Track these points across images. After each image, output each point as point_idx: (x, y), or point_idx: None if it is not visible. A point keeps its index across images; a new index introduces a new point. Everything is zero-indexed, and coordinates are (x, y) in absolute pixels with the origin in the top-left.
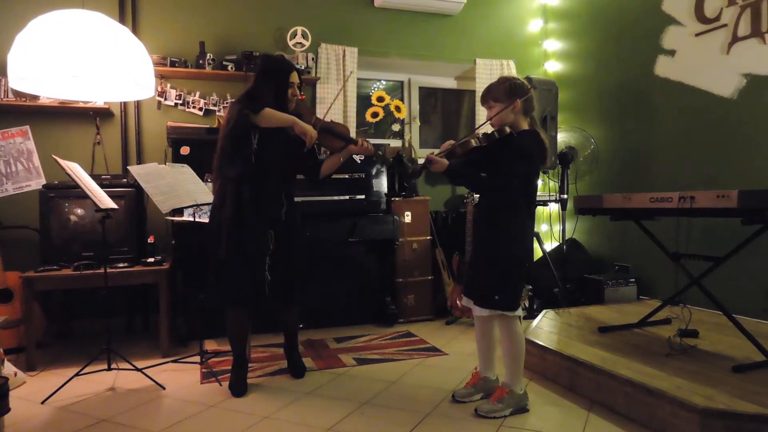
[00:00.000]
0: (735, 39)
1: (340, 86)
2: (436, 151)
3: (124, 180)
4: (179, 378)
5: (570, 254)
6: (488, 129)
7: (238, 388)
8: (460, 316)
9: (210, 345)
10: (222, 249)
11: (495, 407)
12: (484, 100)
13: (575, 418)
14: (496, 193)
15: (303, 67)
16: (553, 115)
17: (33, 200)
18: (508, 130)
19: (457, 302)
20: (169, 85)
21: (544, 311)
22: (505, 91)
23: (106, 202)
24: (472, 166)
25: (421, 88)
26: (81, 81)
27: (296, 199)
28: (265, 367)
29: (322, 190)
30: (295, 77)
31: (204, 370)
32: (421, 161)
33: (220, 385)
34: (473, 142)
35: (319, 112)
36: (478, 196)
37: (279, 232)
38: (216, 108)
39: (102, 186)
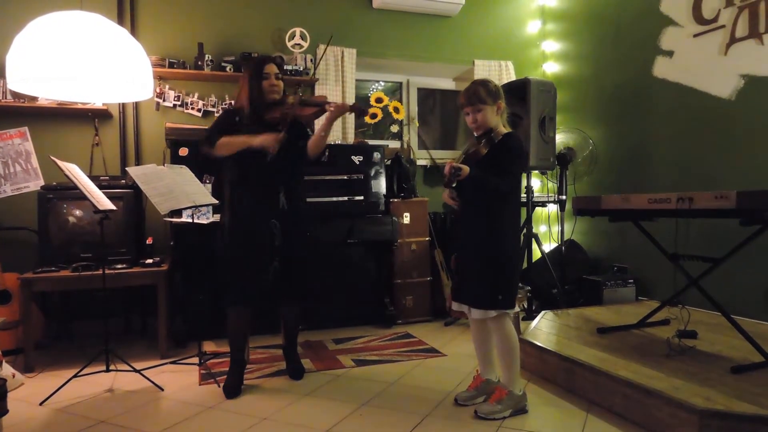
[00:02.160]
0: (733, 40)
1: (339, 87)
2: (443, 158)
3: (123, 181)
4: (178, 379)
5: (569, 255)
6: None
7: (232, 389)
8: (459, 317)
9: (208, 346)
10: (224, 250)
11: (494, 408)
12: (471, 103)
13: (574, 419)
14: (501, 194)
15: (301, 69)
16: (551, 115)
17: (31, 201)
18: (501, 133)
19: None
20: (167, 87)
21: (542, 312)
22: (489, 93)
23: (105, 203)
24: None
25: (419, 90)
26: (79, 82)
27: None
28: (263, 368)
29: (319, 190)
30: (270, 68)
31: (203, 372)
32: (421, 162)
33: (219, 386)
34: (483, 150)
35: None
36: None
37: (282, 228)
38: (215, 109)
39: (100, 187)
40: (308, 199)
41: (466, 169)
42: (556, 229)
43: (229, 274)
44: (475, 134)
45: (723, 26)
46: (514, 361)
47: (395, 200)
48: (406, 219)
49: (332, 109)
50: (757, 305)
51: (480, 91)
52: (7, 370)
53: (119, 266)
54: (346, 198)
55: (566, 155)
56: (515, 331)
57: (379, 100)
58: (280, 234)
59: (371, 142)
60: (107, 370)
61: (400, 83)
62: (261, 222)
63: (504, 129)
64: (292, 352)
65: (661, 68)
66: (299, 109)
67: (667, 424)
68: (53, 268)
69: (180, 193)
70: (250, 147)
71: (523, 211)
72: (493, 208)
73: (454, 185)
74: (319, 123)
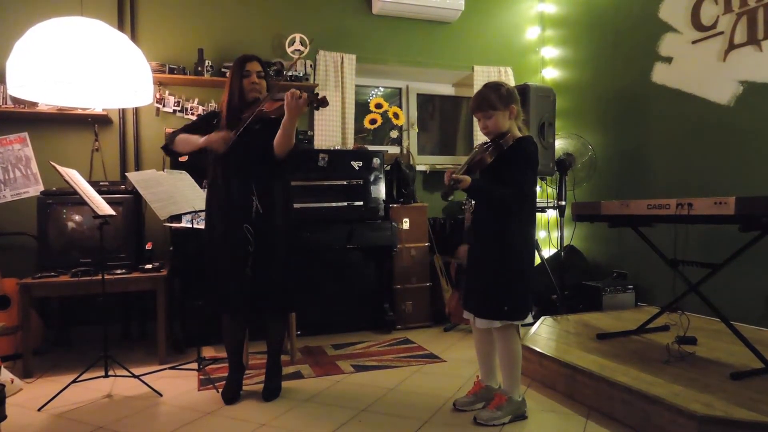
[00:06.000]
0: (731, 46)
1: (339, 93)
2: (444, 165)
3: (123, 186)
4: (177, 385)
5: (568, 261)
6: (484, 138)
7: (230, 395)
8: (459, 323)
9: (207, 352)
10: (206, 255)
11: (494, 415)
12: (481, 108)
13: (573, 425)
14: (507, 205)
15: (301, 74)
16: (550, 121)
17: (31, 207)
18: (512, 138)
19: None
20: (167, 92)
21: (542, 318)
22: (500, 97)
23: (104, 208)
24: (485, 177)
25: (419, 95)
26: (79, 88)
27: (295, 205)
28: (263, 373)
29: (319, 195)
30: (252, 66)
31: (201, 377)
32: (420, 168)
33: (218, 391)
34: (489, 158)
35: (319, 117)
36: (473, 201)
37: (256, 231)
38: None
39: (100, 192)
40: (307, 204)
41: (466, 180)
42: (555, 234)
43: (210, 280)
44: (487, 139)
45: (722, 33)
46: (517, 370)
47: (395, 205)
48: (406, 224)
49: (287, 103)
50: (756, 311)
51: (490, 96)
52: (6, 375)
53: (118, 271)
54: (345, 203)
55: (565, 161)
56: (519, 342)
57: (378, 106)
58: (254, 239)
59: (371, 147)
60: (106, 376)
61: (400, 89)
62: (232, 226)
63: (518, 133)
64: (270, 367)
65: (660, 74)
66: (267, 105)
67: (666, 431)
68: (52, 274)
69: (180, 198)
70: (200, 146)
71: None
72: (505, 217)
73: (450, 198)
74: None
